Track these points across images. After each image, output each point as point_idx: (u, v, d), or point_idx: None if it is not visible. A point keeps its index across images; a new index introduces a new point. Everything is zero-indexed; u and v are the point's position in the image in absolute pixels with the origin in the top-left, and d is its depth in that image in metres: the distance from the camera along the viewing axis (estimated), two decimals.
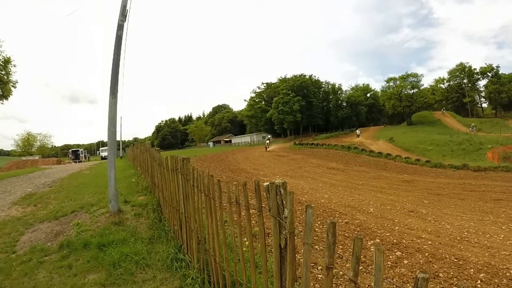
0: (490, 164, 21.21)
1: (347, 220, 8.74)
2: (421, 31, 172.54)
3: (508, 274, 5.39)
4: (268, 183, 2.51)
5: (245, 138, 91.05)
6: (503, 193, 12.31)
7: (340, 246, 6.69)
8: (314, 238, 6.85)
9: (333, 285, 2.58)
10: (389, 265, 5.84)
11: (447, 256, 6.15)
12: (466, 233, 7.56)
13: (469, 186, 14.19)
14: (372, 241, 7.07)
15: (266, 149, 42.63)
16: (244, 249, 3.45)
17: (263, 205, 2.83)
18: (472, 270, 5.58)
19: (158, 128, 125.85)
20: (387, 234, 7.55)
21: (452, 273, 5.48)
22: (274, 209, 2.47)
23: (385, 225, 8.28)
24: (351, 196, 12.08)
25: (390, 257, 6.21)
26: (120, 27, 8.56)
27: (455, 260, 5.98)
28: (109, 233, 6.75)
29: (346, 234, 7.58)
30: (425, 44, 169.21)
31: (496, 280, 5.20)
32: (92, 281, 4.78)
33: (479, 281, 5.18)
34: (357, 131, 59.81)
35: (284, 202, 2.40)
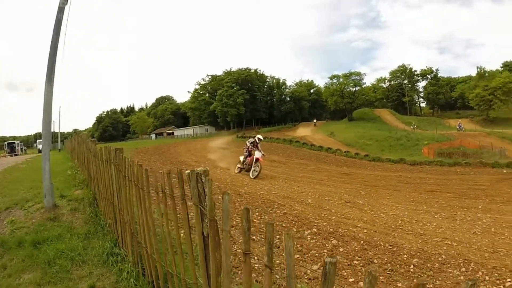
0: (425, 158, 23.00)
1: (285, 211, 8.90)
2: (368, 32, 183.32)
3: (440, 259, 5.81)
4: (189, 171, 2.55)
5: (188, 131, 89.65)
6: (437, 185, 13.44)
7: (278, 237, 6.78)
8: (252, 228, 6.88)
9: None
10: (325, 253, 6.02)
11: (382, 244, 6.49)
12: (400, 222, 8.06)
13: (405, 178, 15.26)
14: (309, 231, 7.26)
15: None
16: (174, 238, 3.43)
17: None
18: (405, 256, 5.94)
19: (99, 119, 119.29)
20: (324, 223, 7.81)
21: (386, 259, 5.79)
22: (196, 197, 2.52)
23: (323, 215, 8.56)
24: (290, 188, 12.37)
25: (327, 245, 6.41)
26: (60, 10, 8.27)
27: (389, 247, 6.32)
28: (44, 230, 6.43)
29: (283, 225, 7.73)
30: (371, 44, 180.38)
31: (428, 265, 5.60)
32: (27, 281, 4.54)
33: (412, 266, 5.53)
34: (314, 120, 68.43)
35: (205, 190, 2.44)
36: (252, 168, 14.87)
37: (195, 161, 21.50)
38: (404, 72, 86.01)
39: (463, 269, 5.45)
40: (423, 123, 63.33)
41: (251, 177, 14.53)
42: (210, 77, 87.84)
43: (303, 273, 5.09)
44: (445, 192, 11.97)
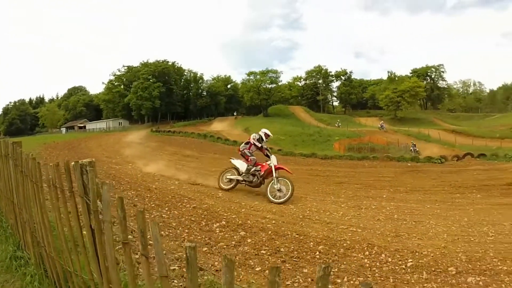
0: (336, 153, 24.37)
1: (195, 205, 8.66)
2: (289, 32, 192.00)
3: (345, 245, 6.07)
4: (73, 163, 2.53)
5: (101, 124, 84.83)
6: (345, 177, 14.32)
7: (186, 231, 6.56)
8: (161, 223, 6.69)
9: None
10: (233, 244, 5.94)
11: (289, 233, 6.58)
12: (308, 212, 8.31)
13: (315, 171, 16.01)
14: (218, 223, 7.12)
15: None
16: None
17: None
18: (312, 243, 6.09)
19: (6, 111, 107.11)
20: (233, 216, 7.74)
21: (293, 247, 5.87)
22: (81, 188, 2.48)
23: (232, 208, 8.49)
24: (202, 182, 12.13)
25: (235, 237, 6.33)
26: None
27: (297, 236, 6.44)
28: None
29: (192, 219, 7.50)
30: (290, 44, 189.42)
31: (334, 250, 5.80)
32: None
33: (318, 252, 5.69)
34: (235, 113, 72.18)
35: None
36: (275, 186, 9.69)
37: (106, 157, 20.29)
38: (319, 73, 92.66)
39: (367, 252, 5.73)
40: (335, 120, 67.75)
41: (275, 200, 9.36)
42: (126, 68, 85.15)
43: (210, 265, 4.98)
44: (352, 184, 12.76)
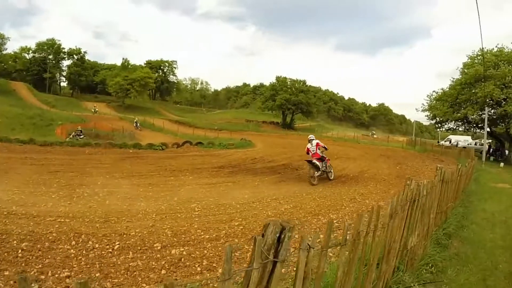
0: (58, 139, 22.34)
1: None
2: None
3: (50, 238, 5.72)
4: None
5: None
6: (62, 165, 13.38)
7: None
8: None
9: None
10: None
11: None
12: (15, 207, 7.37)
13: (30, 160, 14.32)
14: None
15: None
16: None
17: None
18: (15, 241, 5.49)
19: None
20: None
21: None
22: None
23: None
24: None
25: None
26: None
27: None
28: None
29: None
30: (28, 7, 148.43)
31: (38, 245, 5.38)
32: None
33: (20, 251, 5.16)
34: None
35: None
36: (328, 170, 13.03)
37: None
38: (52, 47, 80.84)
39: (74, 242, 5.58)
40: (61, 102, 62.18)
41: (332, 178, 13.08)
42: None
43: None
44: (68, 172, 12.05)
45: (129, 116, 50.82)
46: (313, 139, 13.23)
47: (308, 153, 13.10)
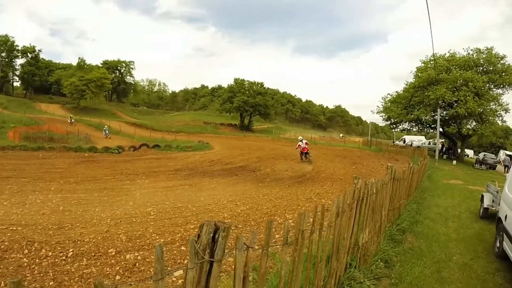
0: (10, 143, 21.28)
1: None
2: None
3: (2, 247, 5.58)
4: None
5: None
6: (14, 170, 12.80)
7: None
8: None
9: None
10: None
11: None
12: None
13: None
14: None
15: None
16: None
17: None
18: None
19: None
20: None
21: None
22: None
23: None
24: None
25: None
26: None
27: None
28: None
29: None
30: None
31: None
32: None
33: None
34: None
35: None
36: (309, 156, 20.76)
37: None
38: (5, 44, 74.95)
39: (26, 251, 5.47)
40: (14, 103, 58.83)
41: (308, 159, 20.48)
42: None
43: None
44: (20, 178, 11.58)
45: (85, 119, 49.09)
46: (303, 140, 21.33)
47: (297, 148, 20.98)
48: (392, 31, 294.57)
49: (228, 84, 69.98)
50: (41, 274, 4.74)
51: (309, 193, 11.16)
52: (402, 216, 7.32)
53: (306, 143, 20.71)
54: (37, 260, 5.15)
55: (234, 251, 2.10)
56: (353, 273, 4.22)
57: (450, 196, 11.79)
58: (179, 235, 6.53)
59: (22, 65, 79.62)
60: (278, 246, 2.79)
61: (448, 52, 33.67)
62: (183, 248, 5.84)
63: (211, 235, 1.80)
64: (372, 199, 4.70)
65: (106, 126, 38.80)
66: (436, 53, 31.85)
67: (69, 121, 37.17)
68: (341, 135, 68.55)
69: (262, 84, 68.48)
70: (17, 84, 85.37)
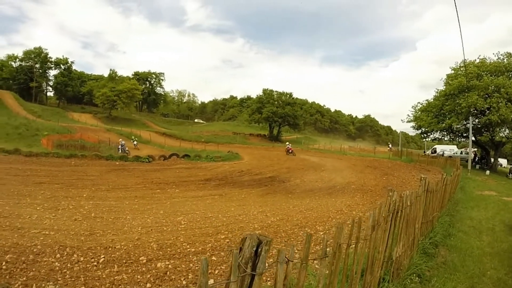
0: (43, 150, 22.10)
1: None
2: (21, 0, 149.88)
3: (35, 250, 5.65)
4: None
5: None
6: (47, 176, 13.21)
7: None
8: None
9: None
10: None
11: None
12: None
13: (15, 170, 14.11)
14: None
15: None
16: None
17: None
18: None
19: None
20: None
21: None
22: None
23: None
24: None
25: None
26: None
27: None
28: None
29: None
30: (19, 14, 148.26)
31: (23, 258, 5.31)
32: None
33: (4, 263, 5.09)
34: None
35: None
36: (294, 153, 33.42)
37: None
38: (39, 55, 79.52)
39: (58, 255, 5.52)
40: (47, 112, 61.35)
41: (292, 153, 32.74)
42: None
43: None
44: (53, 184, 11.94)
45: (116, 128, 50.46)
46: (289, 144, 35.31)
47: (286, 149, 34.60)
48: (420, 38, 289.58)
49: (257, 95, 70.44)
50: (73, 279, 4.76)
51: (340, 205, 10.91)
52: (435, 229, 7.02)
53: (290, 145, 36.40)
54: (68, 265, 5.19)
55: (273, 264, 2.09)
56: (387, 287, 4.08)
57: (483, 208, 11.23)
58: (210, 245, 6.46)
59: (55, 76, 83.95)
60: (312, 260, 2.73)
61: (478, 57, 32.51)
62: (214, 258, 5.77)
63: (254, 248, 1.80)
64: (407, 211, 4.54)
65: (133, 137, 39.38)
66: (466, 59, 30.94)
67: (133, 144, 36.32)
68: (389, 145, 65.97)
69: (291, 95, 68.45)
70: (50, 94, 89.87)
